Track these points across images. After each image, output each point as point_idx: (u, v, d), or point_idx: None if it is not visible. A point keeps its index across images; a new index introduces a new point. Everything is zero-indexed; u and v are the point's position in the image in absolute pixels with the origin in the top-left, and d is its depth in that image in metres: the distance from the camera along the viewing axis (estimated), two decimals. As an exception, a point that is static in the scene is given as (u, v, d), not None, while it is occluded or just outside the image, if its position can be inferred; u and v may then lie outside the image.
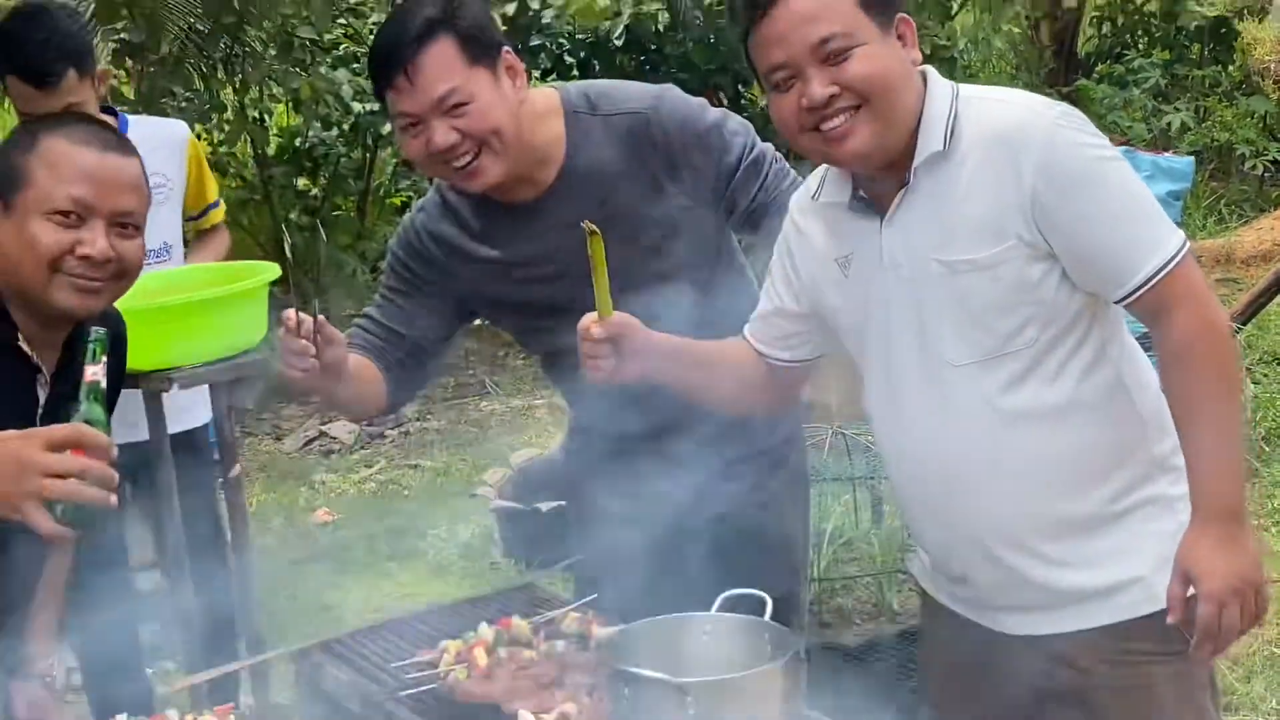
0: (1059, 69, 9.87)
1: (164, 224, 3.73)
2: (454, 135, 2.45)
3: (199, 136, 7.59)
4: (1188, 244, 2.10)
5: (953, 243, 2.13)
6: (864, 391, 2.36)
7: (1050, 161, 2.06)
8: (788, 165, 2.71)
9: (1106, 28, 10.01)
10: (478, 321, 2.91)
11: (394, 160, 8.15)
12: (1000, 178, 2.09)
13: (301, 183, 7.96)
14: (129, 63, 7.10)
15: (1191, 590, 2.03)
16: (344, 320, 7.08)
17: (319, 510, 6.06)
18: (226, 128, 7.63)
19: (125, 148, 2.31)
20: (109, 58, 7.18)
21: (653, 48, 8.04)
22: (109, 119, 3.58)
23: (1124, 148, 5.98)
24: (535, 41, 7.68)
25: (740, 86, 8.19)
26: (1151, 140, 9.03)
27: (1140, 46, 9.80)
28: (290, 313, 2.30)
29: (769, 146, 2.72)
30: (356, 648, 2.50)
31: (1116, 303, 2.12)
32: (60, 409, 2.21)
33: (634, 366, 2.33)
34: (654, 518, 2.69)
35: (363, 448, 6.97)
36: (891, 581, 4.15)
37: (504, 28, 7.04)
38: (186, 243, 3.98)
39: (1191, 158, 5.76)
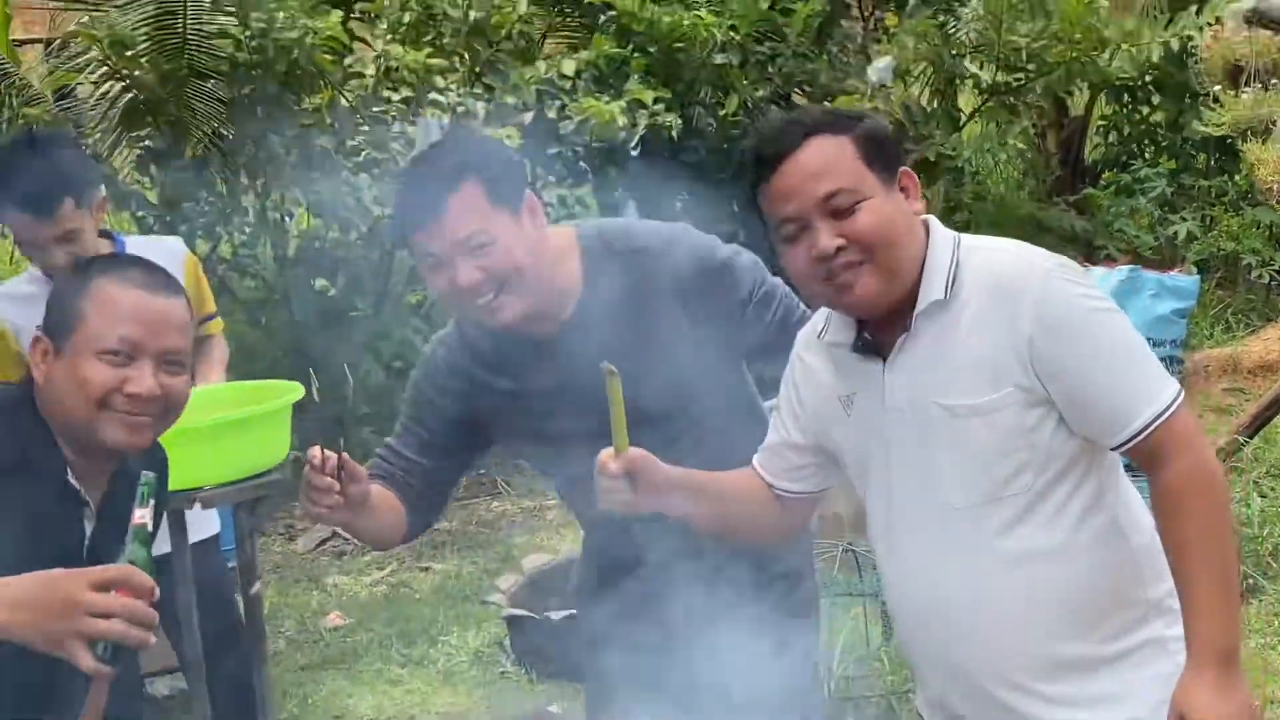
0: (1066, 177, 9.99)
1: None
2: (478, 274, 2.54)
3: (220, 239, 7.73)
4: (1181, 393, 2.18)
5: (952, 387, 2.22)
6: (867, 526, 2.44)
7: (1047, 310, 2.15)
8: (797, 300, 2.80)
9: (1113, 136, 10.11)
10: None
11: (412, 262, 8.25)
12: (998, 325, 2.18)
13: (319, 283, 8.05)
14: (152, 169, 7.23)
15: (1188, 733, 2.08)
16: (361, 419, 7.19)
17: (331, 614, 6.10)
18: (248, 230, 7.75)
19: (172, 288, 2.39)
20: (133, 164, 7.33)
21: (667, 156, 8.19)
22: (106, 243, 3.69)
23: (1130, 266, 6.08)
24: (552, 150, 7.81)
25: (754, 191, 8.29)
26: (1158, 248, 9.11)
27: (1147, 156, 9.89)
28: (315, 450, 2.39)
29: (779, 282, 2.80)
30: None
31: (1112, 449, 2.20)
32: (105, 542, 2.28)
33: (649, 499, 2.41)
34: (664, 643, 2.75)
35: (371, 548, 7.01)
36: (903, 702, 4.17)
37: (521, 138, 7.18)
38: None
39: (1197, 276, 5.86)
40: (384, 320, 8.35)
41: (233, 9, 6.66)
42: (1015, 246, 2.30)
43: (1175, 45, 7.97)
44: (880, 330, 2.30)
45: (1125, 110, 9.95)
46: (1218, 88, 6.93)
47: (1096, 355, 2.16)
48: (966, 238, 2.31)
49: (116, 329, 2.29)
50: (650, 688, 2.71)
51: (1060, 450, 2.20)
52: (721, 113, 8.21)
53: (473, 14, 7.33)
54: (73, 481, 2.34)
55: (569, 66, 7.58)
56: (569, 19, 8.85)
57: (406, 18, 7.34)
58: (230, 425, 3.19)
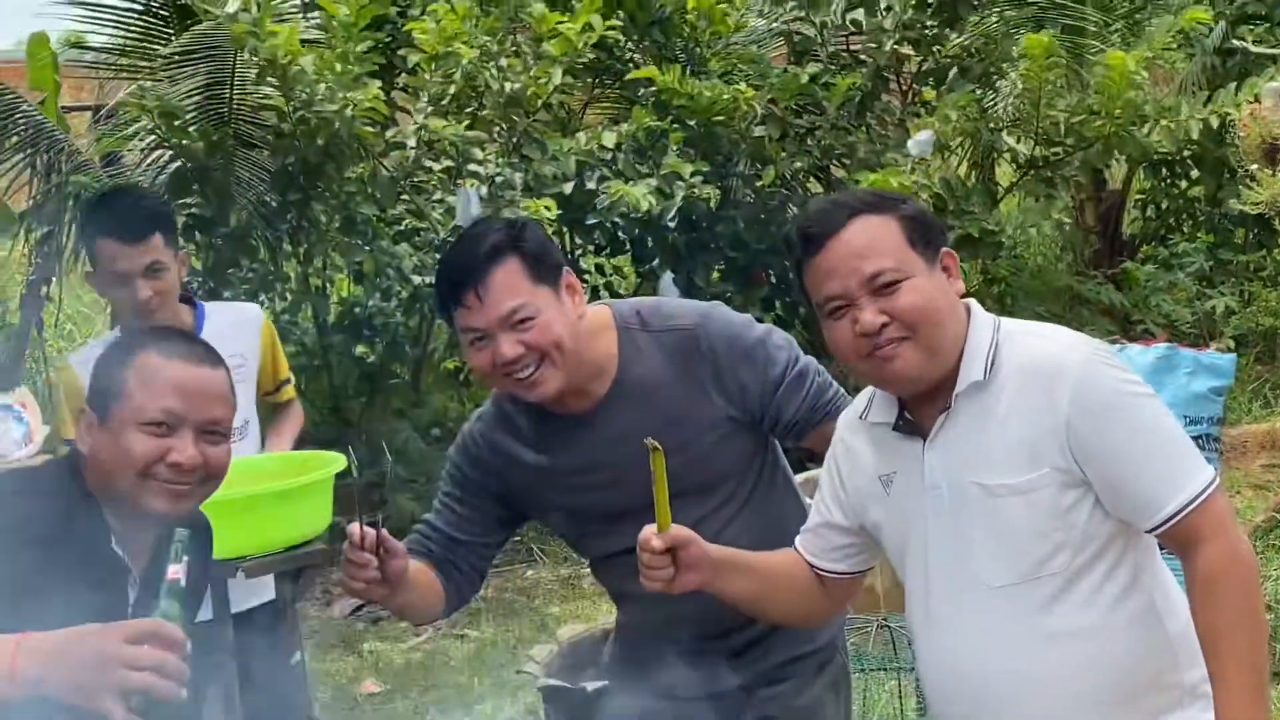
0: (1103, 251, 10.00)
1: (244, 402, 3.89)
2: (519, 348, 2.58)
3: (262, 305, 7.82)
4: (1217, 479, 2.20)
5: (990, 467, 2.24)
6: (906, 603, 2.46)
7: (1085, 393, 2.18)
8: (830, 378, 2.83)
9: (1151, 211, 10.12)
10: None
11: (451, 329, 8.32)
12: (1037, 407, 2.21)
13: (359, 350, 8.13)
14: (197, 235, 7.34)
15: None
16: (398, 486, 7.22)
17: (367, 681, 6.11)
18: (289, 297, 7.84)
19: (213, 360, 2.45)
20: (179, 231, 7.43)
21: (704, 226, 8.24)
22: (187, 308, 3.77)
23: (1167, 344, 6.05)
24: (591, 220, 7.88)
25: (787, 263, 8.34)
26: (1195, 323, 9.10)
27: (1185, 230, 9.90)
28: (355, 527, 2.43)
29: (812, 360, 2.83)
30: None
31: (1147, 532, 2.22)
32: (148, 609, 2.32)
33: (691, 577, 2.43)
34: (696, 717, 2.77)
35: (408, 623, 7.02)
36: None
37: (560, 210, 7.25)
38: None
39: (1233, 354, 5.81)
40: (422, 387, 8.42)
41: (276, 82, 6.77)
42: (1054, 331, 2.34)
43: (1214, 122, 7.98)
44: (921, 410, 2.33)
45: (1163, 185, 9.95)
46: (1254, 165, 6.95)
47: (1132, 439, 2.19)
48: (1006, 321, 2.35)
49: (159, 401, 2.34)
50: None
51: (1097, 531, 2.22)
52: (759, 184, 8.25)
53: (509, 85, 7.42)
54: (116, 549, 2.38)
55: (609, 138, 7.65)
56: (609, 91, 8.95)
57: (451, 89, 7.43)
58: (273, 497, 3.24)
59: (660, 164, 7.65)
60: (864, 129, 8.60)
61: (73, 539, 2.33)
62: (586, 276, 8.55)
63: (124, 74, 8.06)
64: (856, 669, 4.05)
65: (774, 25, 9.13)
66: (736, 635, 2.79)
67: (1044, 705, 2.24)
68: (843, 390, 2.82)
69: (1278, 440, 7.72)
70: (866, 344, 2.25)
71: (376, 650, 6.55)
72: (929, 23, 8.67)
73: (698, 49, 8.53)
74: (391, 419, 7.78)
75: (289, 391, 4.18)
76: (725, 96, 7.86)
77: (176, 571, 2.12)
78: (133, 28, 7.94)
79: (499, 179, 7.34)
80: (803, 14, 8.81)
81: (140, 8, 7.88)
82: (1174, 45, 8.53)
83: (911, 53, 8.89)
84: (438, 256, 7.13)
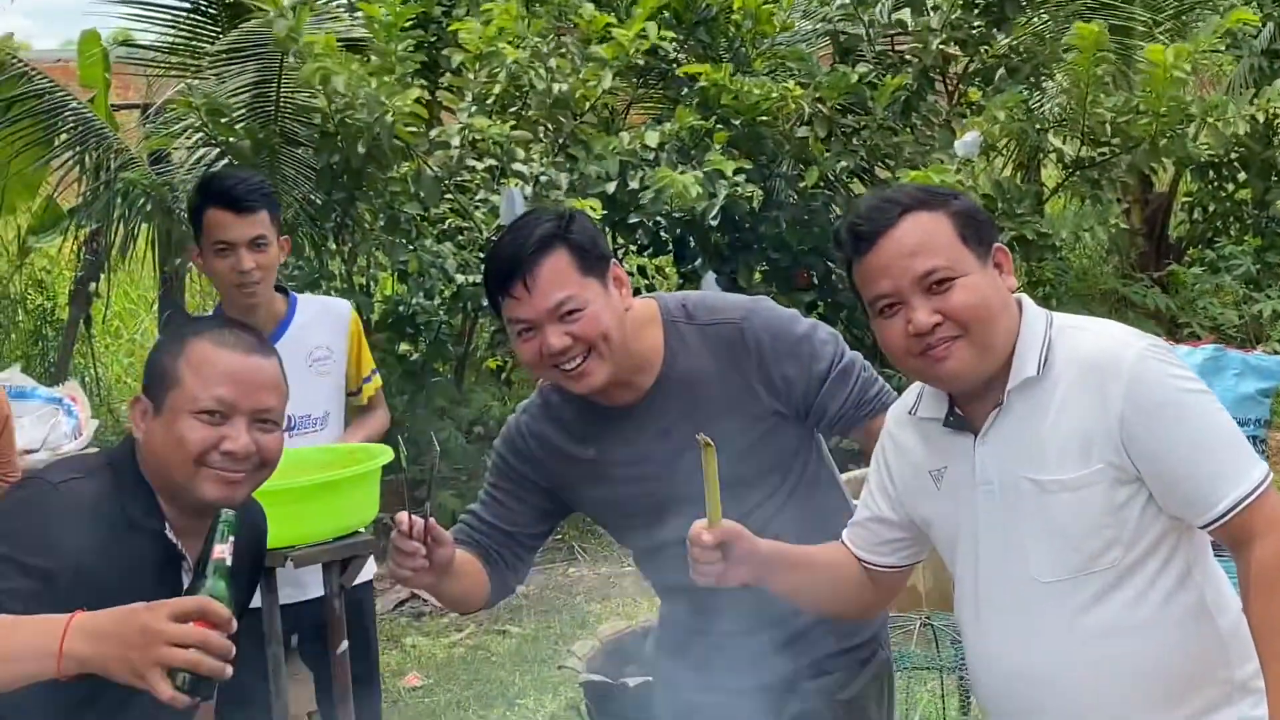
0: (1150, 253, 9.94)
1: (327, 394, 3.94)
2: (566, 339, 2.58)
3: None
4: (1270, 474, 2.18)
5: (1043, 463, 2.23)
6: (955, 601, 2.45)
7: (1139, 390, 2.17)
8: (875, 373, 2.82)
9: (1198, 213, 10.06)
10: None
11: (493, 327, 8.35)
12: (1090, 403, 2.20)
13: (403, 348, 8.17)
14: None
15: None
16: (442, 482, 7.23)
17: (409, 675, 6.15)
18: (334, 294, 7.88)
19: (265, 349, 2.47)
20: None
21: (747, 226, 8.23)
22: (281, 296, 3.84)
23: (1214, 345, 6.03)
24: (633, 219, 7.88)
25: (830, 264, 8.33)
26: (1242, 326, 9.03)
27: (1232, 233, 9.83)
28: (403, 515, 2.44)
29: (857, 355, 2.82)
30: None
31: (1201, 528, 2.21)
32: (196, 591, 2.34)
33: (740, 571, 2.43)
34: (738, 711, 2.77)
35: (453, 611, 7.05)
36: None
37: (604, 209, 7.26)
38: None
39: (1282, 356, 5.82)
40: (464, 386, 8.44)
41: (319, 86, 6.80)
42: (1107, 326, 2.32)
43: (1260, 119, 7.92)
44: (972, 406, 2.32)
45: (1210, 187, 9.89)
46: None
47: (1187, 435, 2.17)
48: (1059, 316, 2.34)
49: (211, 389, 2.36)
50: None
51: (1149, 527, 2.21)
52: (802, 185, 8.24)
53: (557, 87, 7.44)
54: (170, 537, 2.41)
55: (652, 138, 7.66)
56: (653, 90, 8.96)
57: (496, 89, 7.45)
58: (323, 487, 3.26)
59: (703, 162, 7.65)
60: (909, 129, 8.58)
61: (127, 526, 2.36)
62: (630, 276, 8.54)
63: (173, 72, 8.13)
64: (899, 667, 4.04)
65: (818, 26, 9.12)
66: (781, 627, 2.78)
67: (1093, 700, 2.23)
68: (888, 386, 2.82)
69: (1325, 443, 7.65)
70: (919, 343, 2.23)
71: (419, 645, 6.58)
72: (976, 23, 8.64)
73: (743, 49, 8.53)
74: (434, 417, 7.80)
75: (371, 387, 4.19)
76: (774, 95, 7.84)
77: (222, 551, 2.14)
78: (182, 26, 8.01)
79: (544, 178, 7.36)
80: (850, 12, 8.78)
81: (190, 6, 7.96)
82: (1221, 46, 8.46)
83: (958, 53, 8.86)
84: (481, 256, 7.17)
